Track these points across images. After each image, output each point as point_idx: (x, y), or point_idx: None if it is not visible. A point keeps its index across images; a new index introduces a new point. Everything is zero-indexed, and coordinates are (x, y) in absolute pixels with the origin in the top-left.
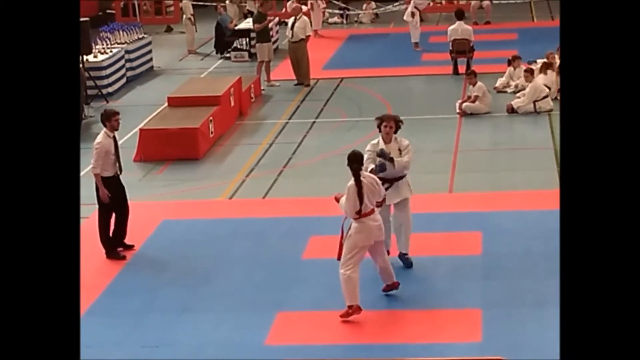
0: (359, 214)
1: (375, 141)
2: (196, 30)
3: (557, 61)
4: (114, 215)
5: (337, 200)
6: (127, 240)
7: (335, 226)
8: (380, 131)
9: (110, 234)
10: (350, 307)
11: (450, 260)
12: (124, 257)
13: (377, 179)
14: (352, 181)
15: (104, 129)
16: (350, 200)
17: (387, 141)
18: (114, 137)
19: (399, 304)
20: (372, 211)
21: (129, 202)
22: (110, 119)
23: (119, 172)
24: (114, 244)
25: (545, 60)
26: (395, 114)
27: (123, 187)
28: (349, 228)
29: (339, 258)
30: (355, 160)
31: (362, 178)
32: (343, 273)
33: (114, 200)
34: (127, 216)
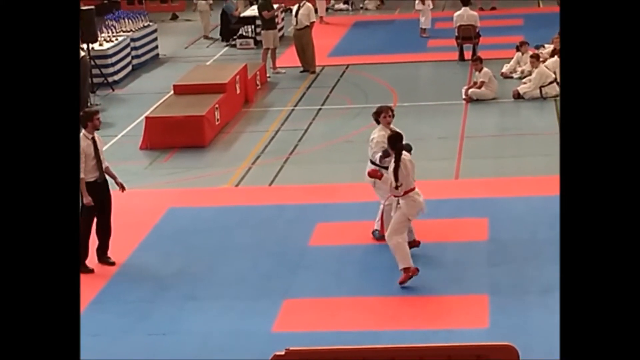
0: (396, 189)
1: (382, 131)
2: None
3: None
4: (95, 224)
5: (375, 174)
6: (131, 231)
7: (342, 213)
8: (378, 123)
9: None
10: (407, 269)
11: (457, 246)
12: (92, 270)
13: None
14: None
15: (83, 131)
16: (408, 174)
17: (388, 130)
18: (94, 139)
19: (405, 290)
20: (415, 187)
21: (136, 190)
22: (92, 119)
23: (102, 177)
24: (85, 256)
25: (552, 45)
26: (389, 105)
27: (108, 194)
28: (396, 203)
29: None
30: (400, 140)
31: (403, 156)
32: (393, 240)
33: (96, 206)
34: (109, 226)
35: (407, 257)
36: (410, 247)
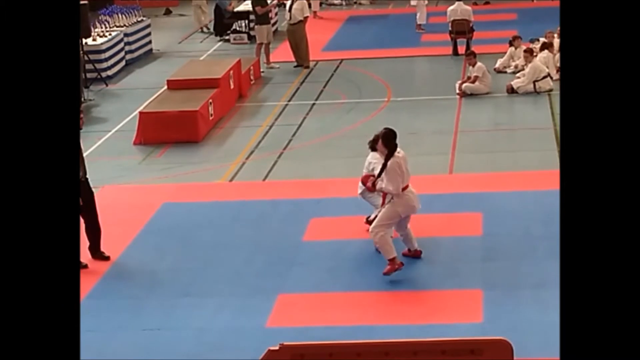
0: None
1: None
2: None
3: (556, 40)
4: (83, 223)
5: (366, 181)
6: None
7: (336, 208)
8: (374, 150)
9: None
10: (392, 259)
11: (451, 241)
12: (85, 266)
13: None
14: (393, 159)
15: None
16: (397, 177)
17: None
18: None
19: (399, 285)
20: (408, 185)
21: (130, 185)
22: None
23: (84, 176)
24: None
25: (544, 39)
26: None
27: (91, 192)
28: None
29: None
30: (395, 137)
31: (397, 153)
32: (377, 233)
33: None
34: (97, 223)
35: (392, 249)
36: (414, 255)
